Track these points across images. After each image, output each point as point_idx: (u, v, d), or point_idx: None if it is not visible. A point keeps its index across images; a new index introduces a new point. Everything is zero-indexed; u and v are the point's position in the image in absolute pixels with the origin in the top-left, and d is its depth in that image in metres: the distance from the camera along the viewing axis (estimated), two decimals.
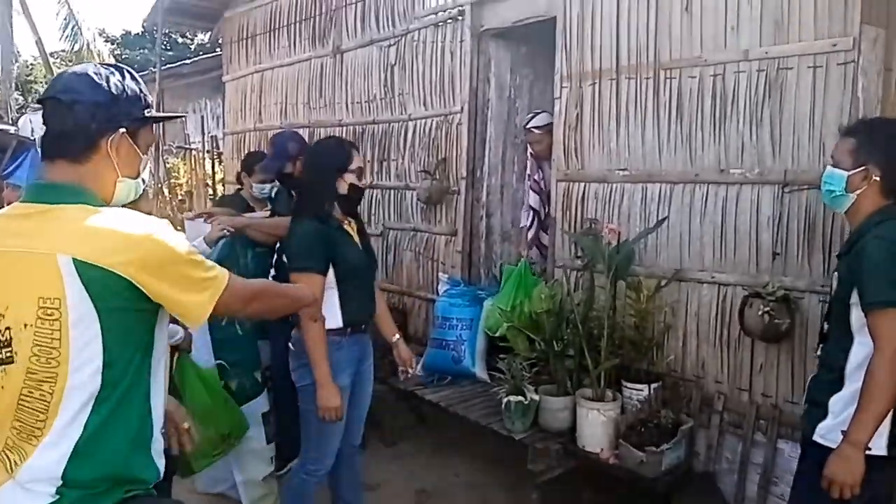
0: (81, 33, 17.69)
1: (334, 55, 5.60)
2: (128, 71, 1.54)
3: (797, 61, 2.78)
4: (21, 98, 21.54)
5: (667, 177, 3.29)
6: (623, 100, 3.44)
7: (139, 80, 1.56)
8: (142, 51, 26.42)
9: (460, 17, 4.42)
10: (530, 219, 4.40)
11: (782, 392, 2.91)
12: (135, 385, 1.45)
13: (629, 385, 3.27)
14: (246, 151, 6.85)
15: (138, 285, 1.38)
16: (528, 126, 4.24)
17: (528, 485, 3.32)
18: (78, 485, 1.38)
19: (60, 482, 1.38)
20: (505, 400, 3.38)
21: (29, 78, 23.53)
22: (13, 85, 19.11)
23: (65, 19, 17.40)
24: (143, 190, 1.68)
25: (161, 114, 1.70)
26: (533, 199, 4.38)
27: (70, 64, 18.02)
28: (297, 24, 6.02)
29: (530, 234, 4.39)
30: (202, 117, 8.96)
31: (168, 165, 8.69)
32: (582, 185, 3.66)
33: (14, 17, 18.22)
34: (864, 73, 2.59)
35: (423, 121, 4.79)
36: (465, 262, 4.56)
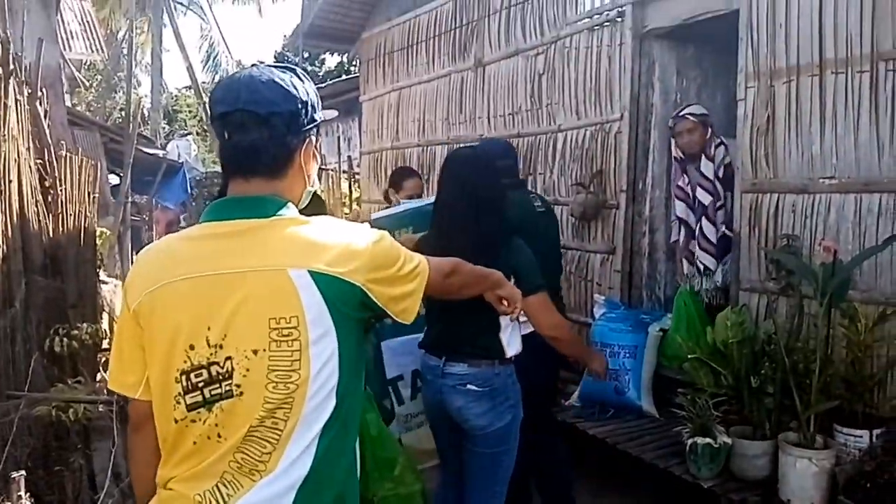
0: (221, 65, 18.89)
1: (475, 68, 5.42)
2: (300, 72, 1.38)
3: None
4: (167, 126, 23.32)
5: (890, 185, 2.79)
6: (829, 98, 2.98)
7: (310, 79, 1.41)
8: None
9: (619, 19, 4.09)
10: (681, 232, 3.93)
11: None
12: (354, 404, 1.35)
13: (844, 430, 2.78)
14: (382, 170, 6.84)
15: (369, 293, 1.30)
16: (681, 114, 3.72)
17: None
18: None
19: None
20: (690, 441, 2.97)
21: (175, 107, 25.39)
22: (162, 114, 20.69)
23: (207, 51, 18.65)
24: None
25: (328, 113, 1.53)
26: (680, 208, 3.88)
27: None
28: (436, 39, 5.89)
29: (683, 249, 3.93)
30: (338, 138, 9.11)
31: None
32: (775, 196, 3.21)
33: (163, 53, 19.70)
34: None
35: (575, 131, 4.48)
36: (624, 283, 4.18)
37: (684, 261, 3.93)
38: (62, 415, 2.92)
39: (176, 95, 26.85)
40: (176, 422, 1.27)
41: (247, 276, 1.24)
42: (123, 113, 20.20)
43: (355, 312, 1.30)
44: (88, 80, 18.56)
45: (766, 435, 2.92)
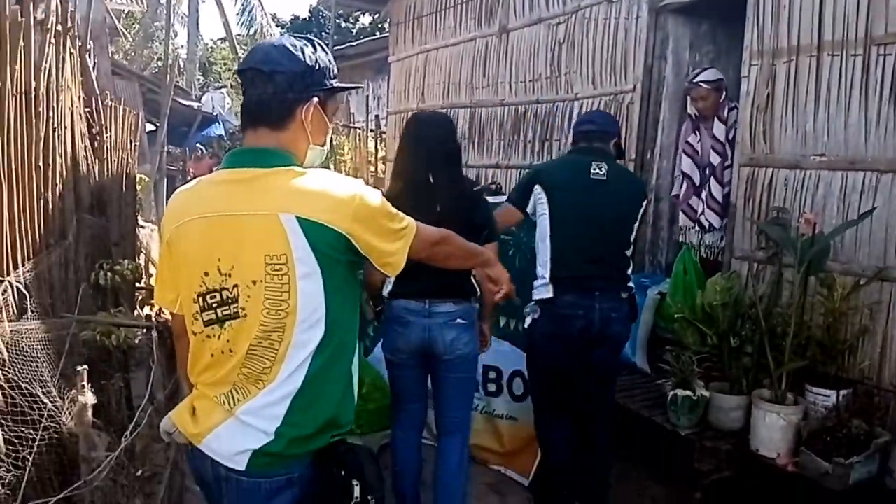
0: (256, 19, 19.02)
1: (500, 34, 5.57)
2: (318, 43, 1.58)
3: None
4: (201, 78, 23.62)
5: (873, 164, 2.96)
6: (824, 79, 3.14)
7: (328, 51, 1.60)
8: (309, 35, 28.07)
9: None
10: (683, 186, 4.10)
11: None
12: (348, 334, 1.55)
13: (814, 390, 3.01)
14: None
15: (351, 239, 1.47)
16: (695, 80, 3.91)
17: (688, 482, 3.17)
18: (296, 424, 1.47)
19: (280, 421, 1.46)
20: (671, 393, 3.23)
21: (210, 59, 25.64)
22: (197, 66, 20.98)
23: (242, 4, 18.77)
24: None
25: (344, 84, 1.74)
26: (686, 163, 4.06)
27: (245, 47, 19.55)
28: (464, 4, 6.04)
29: (682, 203, 4.11)
30: (367, 97, 9.31)
31: (334, 143, 9.13)
32: (770, 170, 3.39)
33: (199, 4, 19.87)
34: None
35: (591, 100, 4.65)
36: None
37: (682, 214, 4.13)
38: (105, 339, 3.26)
39: (211, 47, 27.08)
40: (195, 334, 1.54)
41: (246, 218, 1.45)
42: (160, 63, 20.50)
43: (341, 255, 1.47)
44: (126, 29, 18.85)
45: (742, 391, 3.16)
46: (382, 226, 1.53)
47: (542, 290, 3.00)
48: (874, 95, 2.95)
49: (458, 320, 2.75)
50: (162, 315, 3.25)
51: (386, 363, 3.01)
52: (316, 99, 1.54)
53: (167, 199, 11.13)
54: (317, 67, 1.54)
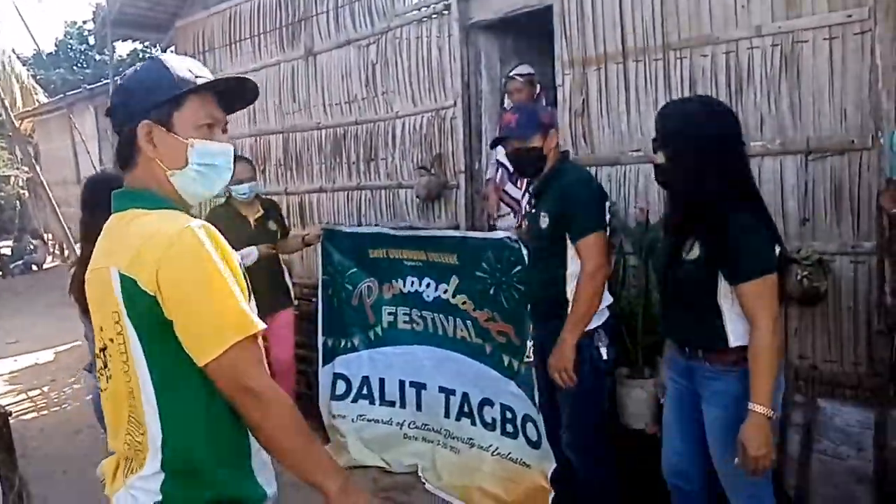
0: None
1: (306, 57, 5.49)
2: (151, 57, 1.53)
3: (812, 34, 2.89)
4: None
5: None
6: (632, 82, 3.50)
7: (164, 61, 1.43)
8: (58, 70, 25.34)
9: (446, 12, 4.40)
10: (498, 173, 4.32)
11: (820, 352, 3.03)
12: (205, 401, 1.35)
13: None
14: None
15: (158, 299, 1.29)
16: (510, 74, 4.22)
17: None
18: (176, 500, 1.35)
19: (160, 496, 1.35)
20: None
21: None
22: None
23: None
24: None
25: (188, 88, 1.40)
26: (501, 152, 4.16)
27: None
28: (261, 27, 5.86)
29: (500, 188, 4.34)
30: None
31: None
32: (593, 168, 3.70)
33: None
34: (881, 42, 2.71)
35: (413, 117, 4.75)
36: None
37: (493, 197, 4.35)
38: None
39: None
40: (103, 391, 1.45)
41: (99, 272, 1.39)
42: None
43: (156, 317, 1.29)
44: None
45: None
46: (200, 291, 1.28)
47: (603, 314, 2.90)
48: (677, 94, 3.34)
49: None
50: None
51: None
52: (146, 121, 1.39)
53: None
54: (138, 88, 1.41)
